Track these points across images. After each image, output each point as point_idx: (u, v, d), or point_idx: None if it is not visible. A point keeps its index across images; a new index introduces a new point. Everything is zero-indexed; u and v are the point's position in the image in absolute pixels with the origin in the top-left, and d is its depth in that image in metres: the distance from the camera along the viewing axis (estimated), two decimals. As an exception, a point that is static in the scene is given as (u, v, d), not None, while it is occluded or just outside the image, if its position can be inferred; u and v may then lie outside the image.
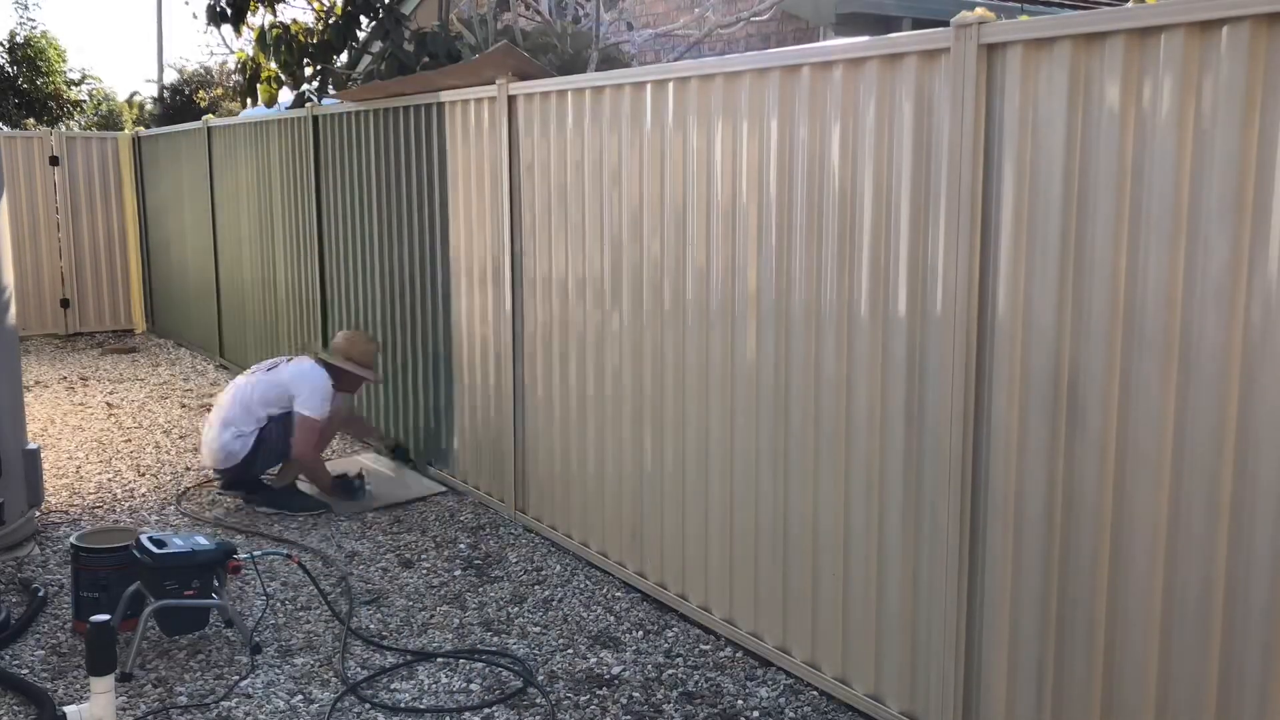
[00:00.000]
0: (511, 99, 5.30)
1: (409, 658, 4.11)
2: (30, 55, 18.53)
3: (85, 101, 20.69)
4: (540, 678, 3.96)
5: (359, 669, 4.05)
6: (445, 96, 5.84)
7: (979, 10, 3.14)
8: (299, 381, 5.75)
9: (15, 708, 3.73)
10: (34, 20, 23.15)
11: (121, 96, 27.12)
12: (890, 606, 3.60)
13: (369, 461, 6.73)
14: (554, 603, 4.66)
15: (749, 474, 4.10)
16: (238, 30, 8.45)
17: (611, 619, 4.49)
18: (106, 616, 3.44)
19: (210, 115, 12.34)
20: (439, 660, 4.10)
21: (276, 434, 5.71)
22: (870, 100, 3.45)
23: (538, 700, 3.82)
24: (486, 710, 3.75)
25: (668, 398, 4.48)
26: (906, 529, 3.51)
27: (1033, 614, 3.15)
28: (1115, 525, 2.92)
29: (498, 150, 5.43)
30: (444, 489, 6.18)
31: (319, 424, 5.74)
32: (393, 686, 3.93)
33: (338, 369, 5.91)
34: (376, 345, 6.15)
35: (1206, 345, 2.68)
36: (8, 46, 18.56)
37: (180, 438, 7.32)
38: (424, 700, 3.82)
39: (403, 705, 3.77)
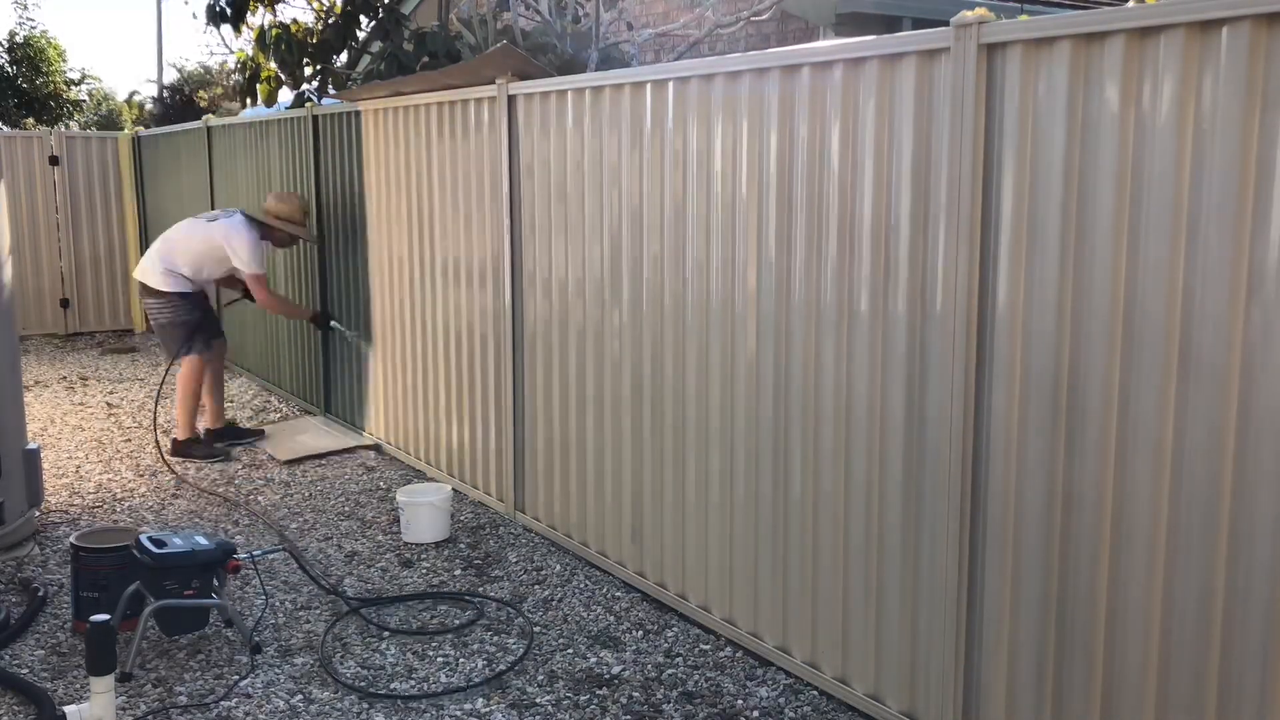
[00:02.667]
0: (511, 99, 5.30)
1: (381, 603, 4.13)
2: (30, 55, 18.52)
3: (85, 101, 20.69)
4: (493, 611, 3.96)
5: (359, 668, 4.06)
6: (435, 99, 5.84)
7: (979, 10, 3.14)
8: (232, 238, 6.62)
9: (15, 708, 3.73)
10: (34, 20, 23.12)
11: (121, 96, 27.13)
12: (890, 606, 3.60)
13: (319, 422, 7.60)
14: (554, 602, 4.66)
15: (749, 474, 4.10)
16: (237, 30, 8.46)
17: (611, 619, 4.49)
18: (106, 616, 3.44)
19: (210, 115, 12.33)
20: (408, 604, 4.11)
21: (185, 318, 6.66)
22: (870, 100, 3.45)
23: (538, 700, 3.82)
24: (486, 709, 3.76)
25: (667, 397, 4.48)
26: (906, 528, 3.51)
27: (1033, 614, 3.15)
28: (1115, 525, 2.92)
29: (497, 149, 5.43)
30: (375, 442, 6.99)
31: (264, 274, 6.76)
32: (393, 686, 3.93)
33: (268, 226, 6.82)
34: (305, 203, 7.04)
35: (1206, 345, 2.68)
36: (7, 46, 18.56)
37: (182, 463, 7.31)
38: (421, 672, 3.82)
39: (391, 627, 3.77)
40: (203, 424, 7.10)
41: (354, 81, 8.21)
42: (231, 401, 8.33)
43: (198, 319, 6.73)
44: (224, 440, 7.05)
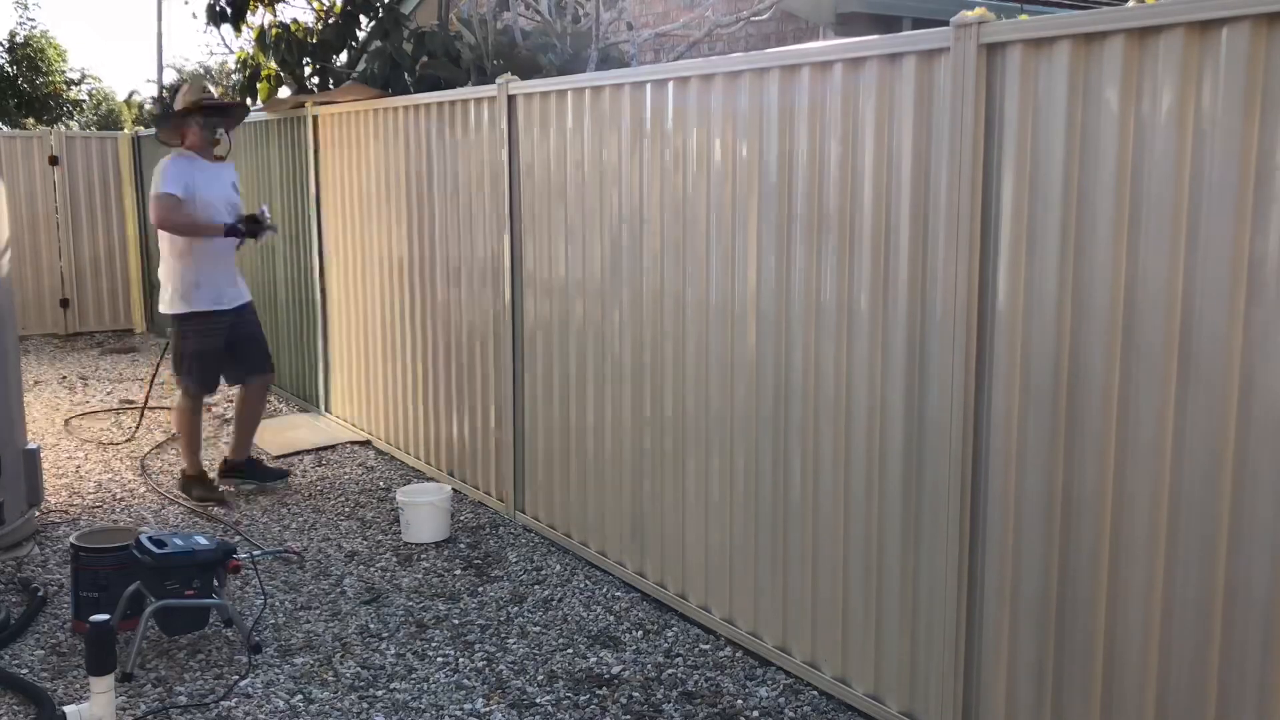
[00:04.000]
0: (511, 99, 5.30)
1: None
2: (30, 55, 18.53)
3: (85, 101, 20.70)
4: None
5: (359, 668, 4.06)
6: (435, 99, 5.84)
7: (979, 10, 3.14)
8: (155, 173, 5.82)
9: (15, 708, 3.73)
10: (34, 20, 23.15)
11: (121, 96, 27.12)
12: (890, 606, 3.60)
13: (310, 419, 7.73)
14: (554, 602, 4.66)
15: (749, 473, 4.10)
16: (238, 30, 8.46)
17: (611, 618, 4.49)
18: (106, 616, 3.44)
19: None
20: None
21: (201, 340, 5.75)
22: (870, 100, 3.45)
23: (538, 700, 3.82)
24: (486, 709, 3.76)
25: (667, 397, 4.48)
26: (906, 528, 3.51)
27: (1033, 614, 3.15)
28: (1115, 525, 2.92)
29: (497, 149, 5.43)
30: (365, 438, 7.09)
31: (168, 197, 5.65)
32: (392, 686, 3.93)
33: (186, 124, 6.00)
34: (204, 86, 6.41)
35: (1206, 345, 2.68)
36: (8, 46, 18.56)
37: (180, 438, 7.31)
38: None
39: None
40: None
41: (351, 81, 8.21)
42: (230, 401, 8.30)
43: (210, 348, 5.81)
44: (238, 475, 6.17)
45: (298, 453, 6.93)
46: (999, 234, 3.13)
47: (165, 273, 5.85)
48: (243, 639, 4.20)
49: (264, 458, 6.62)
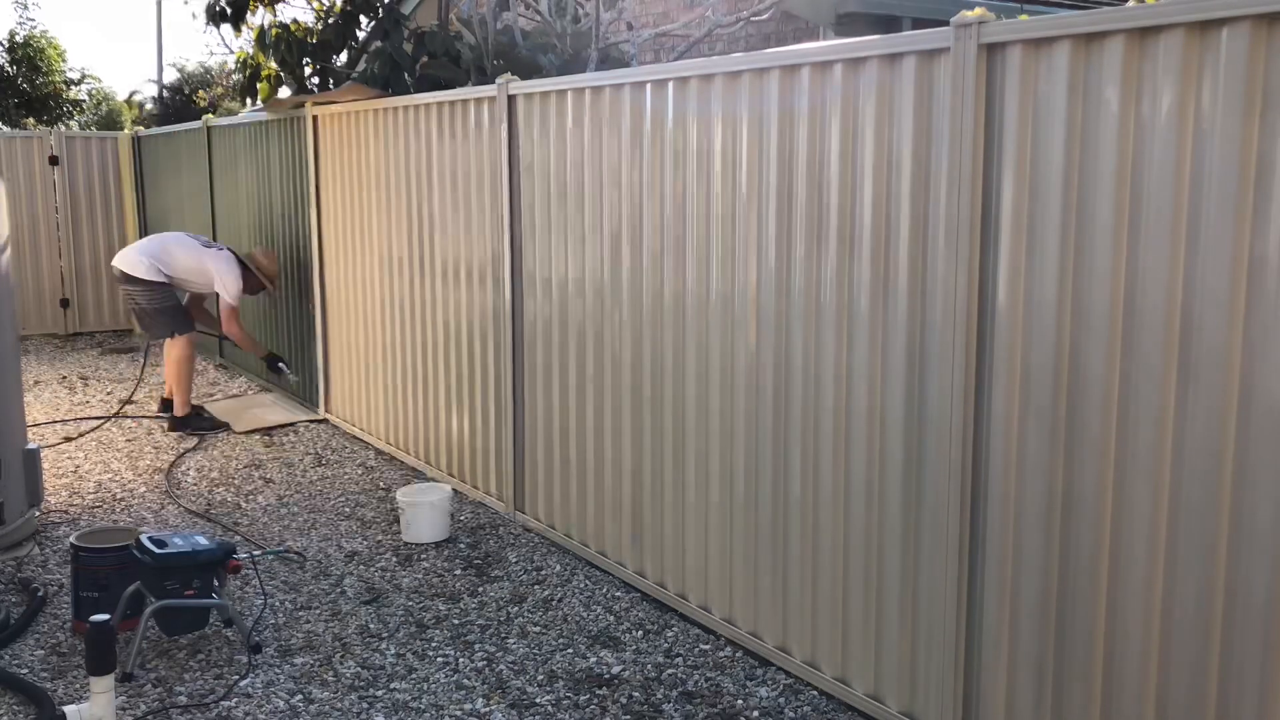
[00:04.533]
0: (511, 99, 5.30)
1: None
2: (30, 55, 18.53)
3: (85, 101, 20.71)
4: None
5: (359, 668, 4.06)
6: (435, 99, 5.84)
7: (979, 10, 3.14)
8: (224, 273, 7.36)
9: (15, 708, 3.73)
10: (33, 20, 23.17)
11: (121, 96, 27.13)
12: (890, 606, 3.60)
13: (272, 399, 8.34)
14: (554, 602, 4.66)
15: (749, 473, 4.10)
16: (237, 30, 8.46)
17: (611, 618, 4.49)
18: (106, 616, 3.44)
19: (210, 115, 12.33)
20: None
21: (172, 303, 7.38)
22: (870, 100, 3.45)
23: (538, 700, 3.82)
24: (486, 709, 3.76)
25: (667, 397, 4.48)
26: (906, 528, 3.51)
27: (1032, 613, 3.15)
28: (1115, 525, 2.92)
29: (497, 149, 5.43)
30: (322, 418, 7.75)
31: (238, 308, 7.50)
32: (392, 686, 3.94)
33: (249, 271, 7.59)
34: (278, 266, 7.91)
35: (1206, 345, 2.68)
36: (7, 46, 18.57)
37: (180, 438, 7.32)
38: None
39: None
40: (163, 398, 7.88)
41: (351, 80, 8.21)
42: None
43: (178, 304, 7.48)
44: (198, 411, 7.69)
45: (260, 430, 7.49)
46: (999, 235, 3.13)
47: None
48: (243, 639, 4.20)
49: (222, 428, 7.57)
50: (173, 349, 7.40)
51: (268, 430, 7.46)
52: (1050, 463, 3.06)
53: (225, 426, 7.52)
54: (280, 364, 7.96)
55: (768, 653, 4.08)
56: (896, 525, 3.54)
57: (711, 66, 4.05)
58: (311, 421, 7.71)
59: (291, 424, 7.64)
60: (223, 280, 7.37)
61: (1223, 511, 2.69)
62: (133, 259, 7.28)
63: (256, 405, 8.16)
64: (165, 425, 7.53)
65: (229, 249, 7.72)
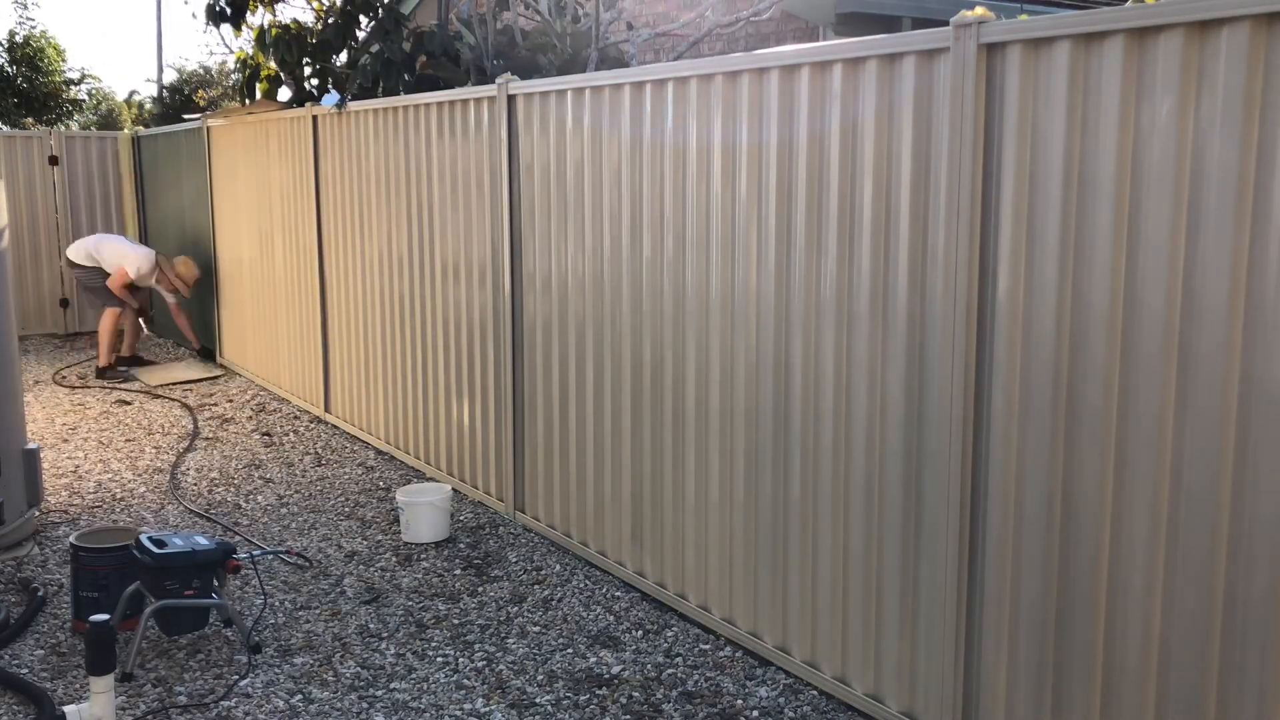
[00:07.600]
0: (511, 98, 5.30)
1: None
2: (30, 55, 18.53)
3: (85, 101, 20.70)
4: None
5: (359, 667, 4.06)
6: (434, 99, 5.84)
7: (979, 10, 3.14)
8: (138, 256, 9.23)
9: (15, 707, 3.73)
10: (33, 20, 23.17)
11: (121, 96, 27.12)
12: (890, 606, 3.60)
13: (191, 360, 9.97)
14: (553, 602, 4.66)
15: (749, 473, 4.10)
16: (237, 30, 8.45)
17: (611, 618, 4.49)
18: (106, 616, 3.44)
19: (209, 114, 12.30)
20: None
21: (100, 284, 9.25)
22: (870, 100, 3.45)
23: (538, 700, 3.82)
24: (486, 709, 3.76)
25: (667, 397, 4.48)
26: (906, 528, 3.51)
27: (1032, 613, 3.15)
28: (1115, 525, 2.92)
29: (497, 149, 5.43)
30: (224, 372, 9.35)
31: (129, 280, 9.19)
32: (392, 686, 3.94)
33: (163, 273, 9.48)
34: (196, 274, 9.56)
35: (1206, 344, 2.68)
36: (7, 46, 18.56)
37: (180, 438, 7.32)
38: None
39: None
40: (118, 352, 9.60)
41: (350, 79, 8.21)
42: (231, 401, 8.35)
43: (104, 286, 9.35)
44: (128, 365, 9.59)
45: (174, 383, 9.00)
46: (999, 234, 3.13)
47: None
48: (243, 639, 4.20)
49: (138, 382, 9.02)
50: (105, 319, 9.32)
51: (177, 384, 9.02)
52: (1050, 462, 3.06)
53: (135, 378, 9.22)
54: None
55: (767, 652, 4.08)
56: (896, 524, 3.54)
57: (711, 66, 4.05)
58: (219, 376, 9.26)
59: (198, 380, 9.16)
60: (136, 263, 9.20)
61: (1223, 511, 2.69)
62: (77, 250, 9.29)
63: (174, 366, 9.78)
64: (94, 373, 9.35)
65: (154, 250, 9.55)
